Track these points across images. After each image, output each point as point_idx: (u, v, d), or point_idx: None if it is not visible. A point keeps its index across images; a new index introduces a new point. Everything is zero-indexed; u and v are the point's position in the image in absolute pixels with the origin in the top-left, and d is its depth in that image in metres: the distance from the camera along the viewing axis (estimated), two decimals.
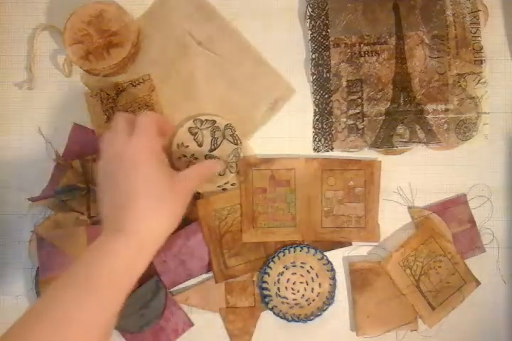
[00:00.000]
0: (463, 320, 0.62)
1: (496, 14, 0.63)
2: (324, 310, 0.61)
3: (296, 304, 0.61)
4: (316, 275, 0.61)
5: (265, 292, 0.60)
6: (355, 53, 0.62)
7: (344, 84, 0.62)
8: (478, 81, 0.62)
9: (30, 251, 0.60)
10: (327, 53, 0.62)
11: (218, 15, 0.63)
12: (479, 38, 0.62)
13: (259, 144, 0.62)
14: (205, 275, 0.61)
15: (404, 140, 0.62)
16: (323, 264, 0.61)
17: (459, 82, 0.62)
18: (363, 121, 0.62)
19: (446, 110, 0.62)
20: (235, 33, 0.63)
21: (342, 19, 0.62)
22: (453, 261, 0.61)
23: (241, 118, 0.62)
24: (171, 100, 0.62)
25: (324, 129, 0.62)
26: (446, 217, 0.62)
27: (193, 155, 0.61)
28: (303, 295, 0.61)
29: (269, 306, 0.60)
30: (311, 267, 0.61)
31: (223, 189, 0.61)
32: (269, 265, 0.60)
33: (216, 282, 0.60)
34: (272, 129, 0.63)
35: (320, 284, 0.61)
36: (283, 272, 0.61)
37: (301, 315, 0.60)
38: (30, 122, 0.62)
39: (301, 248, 0.61)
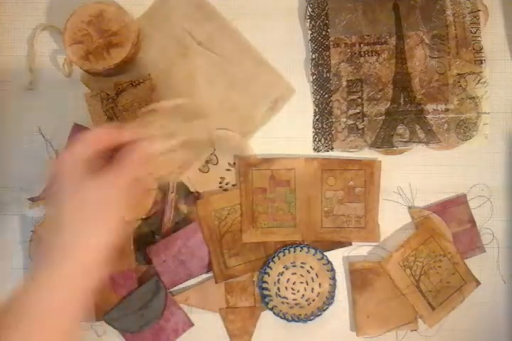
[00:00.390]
0: (463, 320, 0.62)
1: (496, 14, 0.63)
2: (324, 310, 0.61)
3: (296, 304, 0.61)
4: (316, 275, 0.61)
5: (265, 292, 0.60)
6: (355, 53, 0.62)
7: (344, 84, 0.62)
8: (478, 81, 0.62)
9: (30, 251, 0.60)
10: (327, 53, 0.62)
11: (218, 15, 0.63)
12: (479, 38, 0.62)
13: (259, 144, 0.62)
14: (205, 275, 0.61)
15: (404, 140, 0.62)
16: (323, 264, 0.61)
17: (459, 82, 0.62)
18: (363, 121, 0.62)
19: (447, 110, 0.62)
20: (235, 33, 0.63)
21: (342, 19, 0.62)
22: (453, 261, 0.61)
23: (241, 118, 0.62)
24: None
25: (324, 129, 0.62)
26: (446, 217, 0.62)
27: None
28: (303, 295, 0.61)
29: (269, 306, 0.60)
30: (311, 267, 0.61)
31: (224, 190, 0.62)
32: (269, 265, 0.60)
33: (216, 282, 0.60)
34: (272, 129, 0.63)
35: (320, 284, 0.61)
36: (283, 272, 0.61)
37: (301, 315, 0.60)
38: (30, 122, 0.62)
39: (301, 248, 0.61)
